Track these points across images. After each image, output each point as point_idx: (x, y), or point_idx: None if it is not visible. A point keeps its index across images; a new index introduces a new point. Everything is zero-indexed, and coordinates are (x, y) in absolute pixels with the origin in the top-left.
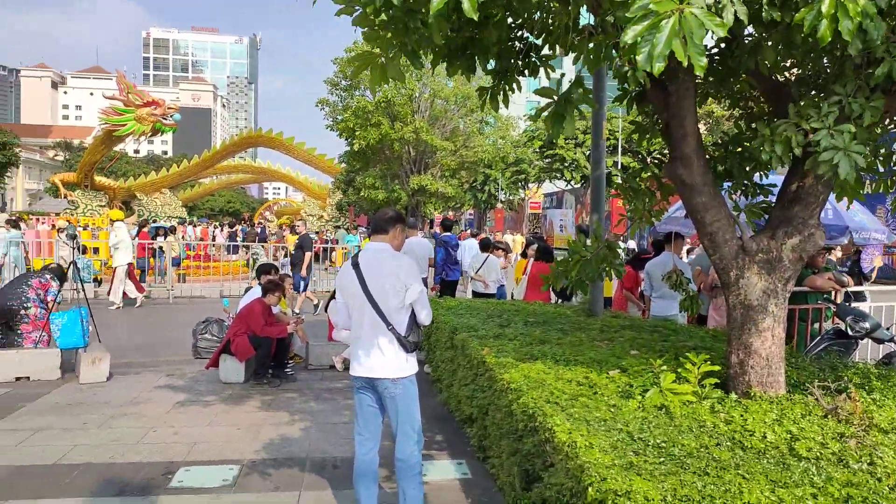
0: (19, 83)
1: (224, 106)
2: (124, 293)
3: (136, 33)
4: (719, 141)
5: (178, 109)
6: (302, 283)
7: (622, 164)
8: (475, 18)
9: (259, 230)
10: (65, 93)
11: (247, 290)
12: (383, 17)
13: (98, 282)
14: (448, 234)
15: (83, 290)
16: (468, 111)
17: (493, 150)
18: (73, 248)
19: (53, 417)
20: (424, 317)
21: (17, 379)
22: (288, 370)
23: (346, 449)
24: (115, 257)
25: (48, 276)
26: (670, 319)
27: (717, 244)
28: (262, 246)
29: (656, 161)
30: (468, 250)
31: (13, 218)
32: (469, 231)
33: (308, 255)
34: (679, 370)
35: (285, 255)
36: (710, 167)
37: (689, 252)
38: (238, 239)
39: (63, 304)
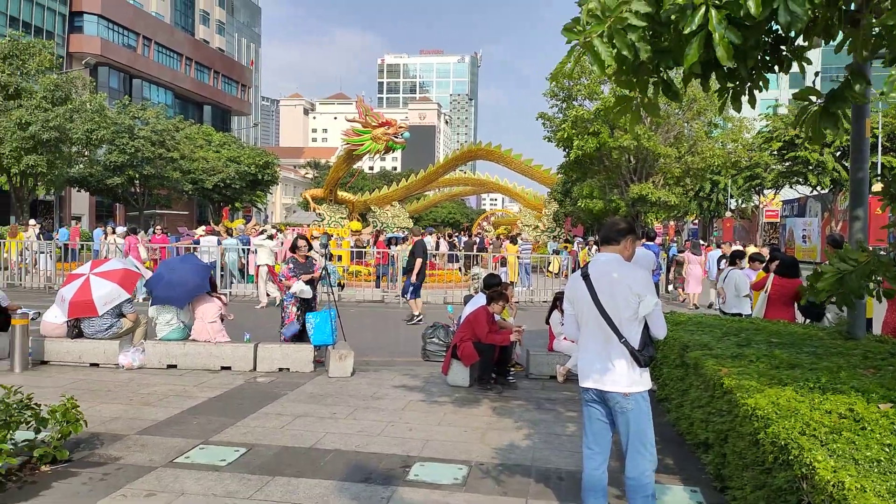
0: (279, 111)
1: (447, 122)
2: (267, 293)
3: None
4: None
5: (408, 128)
6: (411, 289)
7: (883, 164)
8: (731, 65)
9: (477, 240)
10: (314, 118)
11: (468, 297)
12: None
13: (342, 286)
14: (650, 243)
15: (332, 293)
16: (694, 115)
17: (723, 154)
18: (325, 256)
19: (309, 406)
20: (659, 330)
21: (280, 370)
22: (510, 377)
23: (571, 461)
24: (258, 258)
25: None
26: None
27: None
28: (481, 257)
29: None
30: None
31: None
32: (711, 242)
33: (419, 261)
34: None
35: (502, 265)
36: None
37: None
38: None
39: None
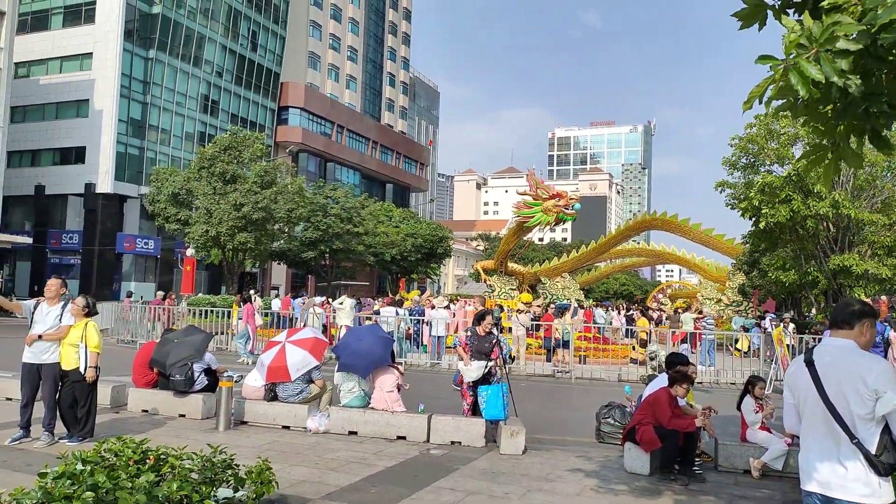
0: (453, 186)
1: (619, 192)
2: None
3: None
4: None
5: (578, 199)
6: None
7: None
8: None
9: (654, 314)
10: (486, 192)
11: (650, 377)
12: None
13: (512, 359)
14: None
15: (505, 366)
16: None
17: None
18: (496, 328)
19: (482, 483)
20: None
21: (452, 443)
22: (696, 468)
23: None
24: (432, 329)
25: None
26: None
27: None
28: (659, 332)
29: None
30: None
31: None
32: None
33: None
34: None
35: (683, 341)
36: None
37: None
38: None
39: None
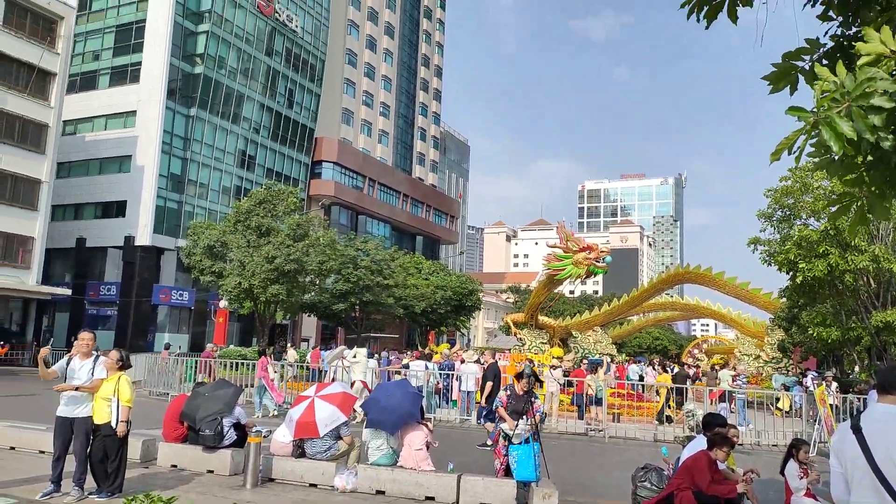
0: (483, 238)
1: (650, 245)
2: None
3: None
4: None
5: (609, 252)
6: (484, 413)
7: None
8: None
9: (690, 371)
10: (515, 244)
11: (687, 438)
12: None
13: (544, 417)
14: None
15: (536, 425)
16: None
17: None
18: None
19: None
20: None
21: None
22: None
23: None
24: (462, 383)
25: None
26: None
27: None
28: (695, 391)
29: None
30: None
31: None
32: None
33: (489, 384)
34: None
35: (721, 400)
36: None
37: None
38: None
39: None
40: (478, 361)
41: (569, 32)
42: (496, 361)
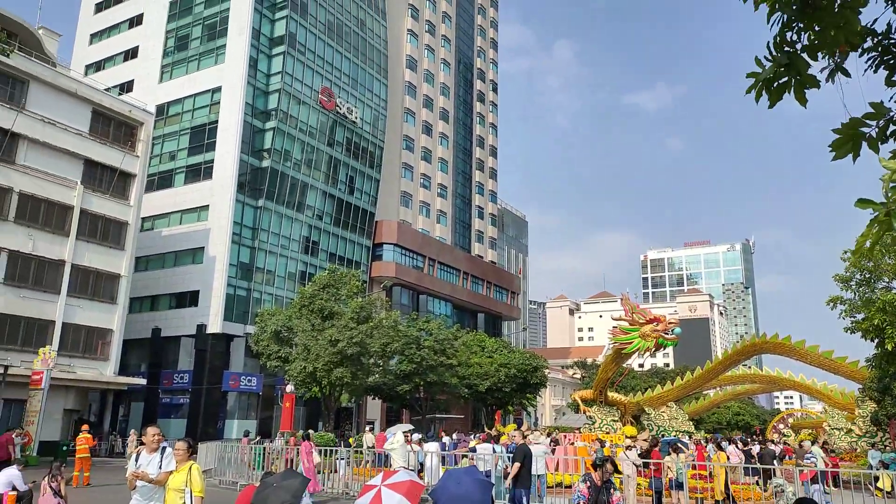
0: (545, 313)
1: (721, 314)
2: None
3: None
4: None
5: (678, 323)
6: (523, 498)
7: None
8: None
9: (777, 448)
10: (579, 318)
11: None
12: None
13: None
14: None
15: None
16: None
17: None
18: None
19: None
20: None
21: None
22: None
23: None
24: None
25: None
26: None
27: None
28: (784, 468)
29: None
30: None
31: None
32: None
33: (515, 465)
34: None
35: (813, 480)
36: None
37: None
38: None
39: None
40: (551, 443)
41: (621, 106)
42: (525, 443)
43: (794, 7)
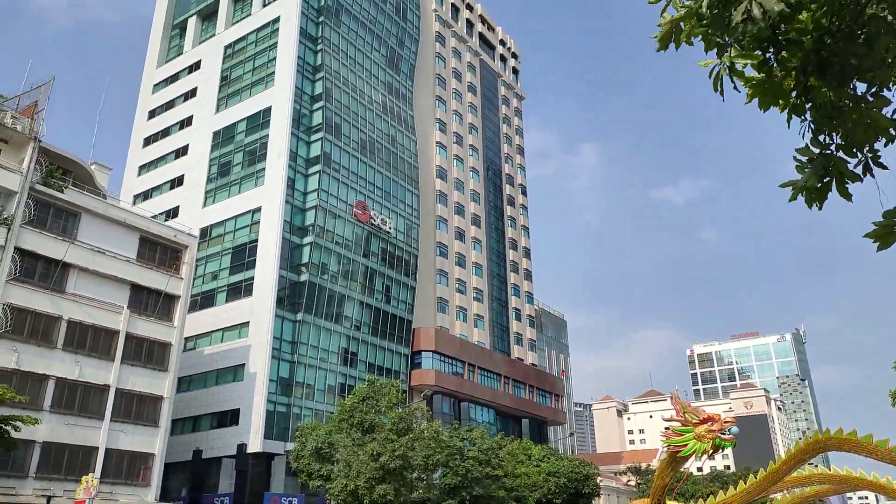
0: (592, 415)
1: (779, 408)
2: None
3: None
4: None
5: (735, 421)
6: None
7: None
8: None
9: None
10: (628, 419)
11: None
12: None
13: None
14: None
15: None
16: None
17: None
18: None
19: None
20: None
21: None
22: None
23: None
24: None
25: None
26: None
27: None
28: None
29: None
30: None
31: None
32: None
33: None
34: None
35: None
36: None
37: None
38: None
39: None
40: None
41: (650, 202)
42: None
43: (819, 111)
